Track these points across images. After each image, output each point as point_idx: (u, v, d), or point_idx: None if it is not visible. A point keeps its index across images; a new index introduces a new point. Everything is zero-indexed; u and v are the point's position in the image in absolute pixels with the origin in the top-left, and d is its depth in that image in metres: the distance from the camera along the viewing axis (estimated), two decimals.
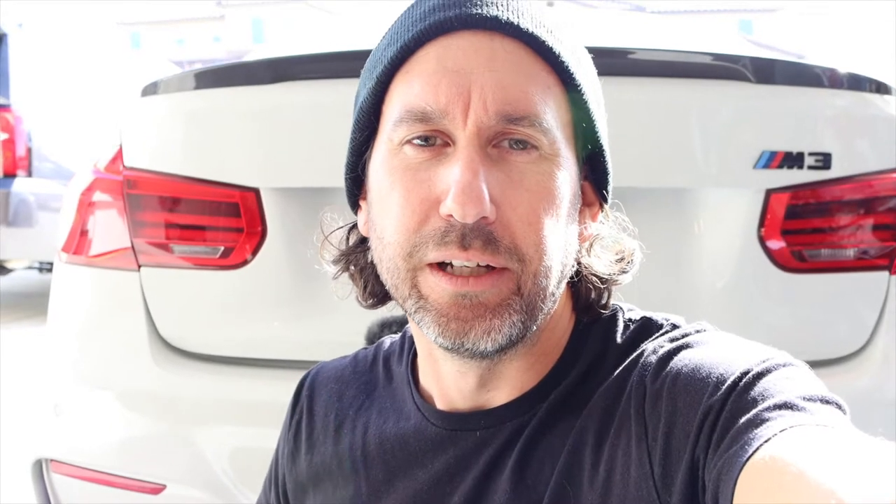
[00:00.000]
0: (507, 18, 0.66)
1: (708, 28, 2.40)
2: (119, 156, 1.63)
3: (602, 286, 0.77)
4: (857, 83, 1.52)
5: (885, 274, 1.51)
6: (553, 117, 0.68)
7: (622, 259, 0.78)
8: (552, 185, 0.67)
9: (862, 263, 1.51)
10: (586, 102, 0.71)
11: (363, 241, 0.80)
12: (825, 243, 1.52)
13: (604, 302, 0.77)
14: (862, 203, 1.50)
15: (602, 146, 0.74)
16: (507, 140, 0.66)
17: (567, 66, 0.68)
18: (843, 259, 1.52)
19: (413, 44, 0.68)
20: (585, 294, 0.77)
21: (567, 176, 0.69)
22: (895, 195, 1.50)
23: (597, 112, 0.73)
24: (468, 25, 0.67)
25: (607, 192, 0.77)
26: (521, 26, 0.67)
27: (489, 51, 0.66)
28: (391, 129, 0.69)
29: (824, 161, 1.47)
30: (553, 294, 0.69)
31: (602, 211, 0.78)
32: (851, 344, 1.53)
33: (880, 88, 1.52)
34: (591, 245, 0.77)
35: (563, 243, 0.69)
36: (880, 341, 1.52)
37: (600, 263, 0.76)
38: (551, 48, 0.67)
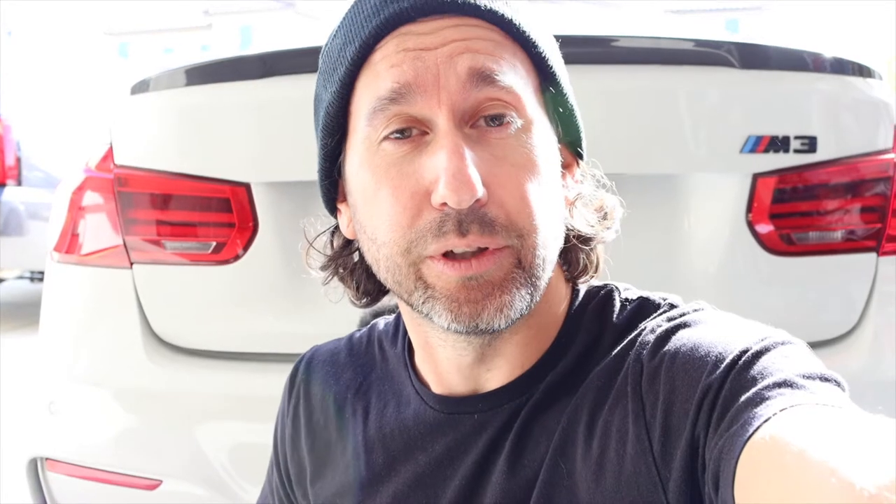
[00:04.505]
0: None
1: (696, 25, 2.41)
2: (109, 154, 1.63)
3: (589, 246, 0.77)
4: (840, 67, 1.53)
5: (873, 255, 1.52)
6: (524, 83, 0.68)
7: (605, 216, 0.78)
8: (535, 155, 0.67)
9: (849, 245, 1.53)
10: (551, 67, 0.71)
11: (348, 243, 0.80)
12: (813, 226, 1.53)
13: (595, 263, 0.78)
14: (848, 185, 1.51)
15: (571, 106, 0.74)
16: (482, 118, 0.66)
17: (528, 35, 0.69)
18: (831, 241, 1.53)
19: (372, 40, 0.67)
20: (575, 258, 0.77)
21: (545, 143, 0.70)
22: (880, 177, 1.51)
23: (560, 72, 0.73)
24: (425, 13, 0.66)
25: (581, 150, 0.77)
26: (479, 4, 0.66)
27: (450, 30, 0.66)
28: (366, 125, 0.68)
29: (810, 144, 1.48)
30: (551, 261, 0.70)
31: (578, 168, 0.78)
32: (841, 325, 1.54)
33: (864, 71, 1.54)
34: (573, 204, 0.77)
35: (555, 211, 0.70)
36: (870, 322, 1.53)
37: (585, 223, 0.76)
38: (511, 20, 0.67)
